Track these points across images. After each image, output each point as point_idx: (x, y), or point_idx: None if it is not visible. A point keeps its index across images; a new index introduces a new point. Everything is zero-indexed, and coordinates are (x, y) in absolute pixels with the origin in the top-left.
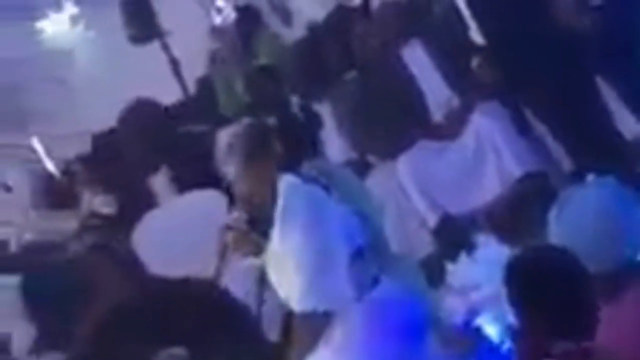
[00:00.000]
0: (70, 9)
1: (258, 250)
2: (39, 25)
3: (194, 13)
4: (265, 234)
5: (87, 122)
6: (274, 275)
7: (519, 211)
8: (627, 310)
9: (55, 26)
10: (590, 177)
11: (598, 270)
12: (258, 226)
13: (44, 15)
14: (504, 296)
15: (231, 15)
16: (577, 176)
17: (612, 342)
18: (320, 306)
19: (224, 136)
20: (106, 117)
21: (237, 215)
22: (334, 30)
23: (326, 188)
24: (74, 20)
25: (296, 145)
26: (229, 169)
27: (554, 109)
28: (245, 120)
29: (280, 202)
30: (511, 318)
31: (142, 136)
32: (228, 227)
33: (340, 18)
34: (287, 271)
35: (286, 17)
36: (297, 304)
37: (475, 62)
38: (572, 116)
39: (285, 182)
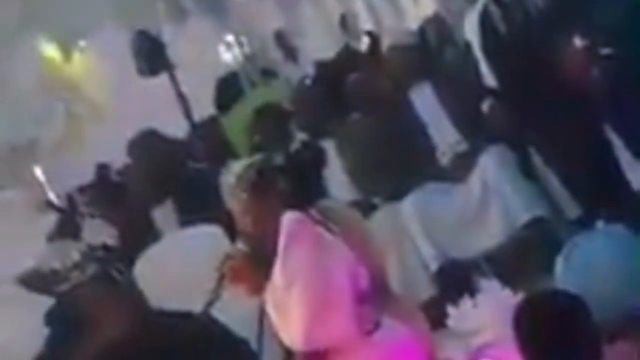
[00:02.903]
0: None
1: (257, 287)
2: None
3: (204, 48)
4: (266, 272)
5: (92, 152)
6: (274, 314)
7: (523, 256)
8: None
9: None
10: (599, 225)
11: (605, 318)
12: (259, 263)
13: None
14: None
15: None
16: (582, 223)
17: None
18: (322, 346)
19: (231, 172)
20: (112, 148)
21: (239, 247)
22: (341, 69)
23: (330, 230)
24: (81, 50)
25: (302, 183)
26: (235, 204)
27: (563, 155)
28: (253, 157)
29: (283, 239)
30: None
31: (148, 168)
32: (228, 257)
33: (348, 58)
34: (289, 309)
35: (292, 54)
36: (298, 343)
37: (486, 105)
38: (580, 163)
39: (289, 219)
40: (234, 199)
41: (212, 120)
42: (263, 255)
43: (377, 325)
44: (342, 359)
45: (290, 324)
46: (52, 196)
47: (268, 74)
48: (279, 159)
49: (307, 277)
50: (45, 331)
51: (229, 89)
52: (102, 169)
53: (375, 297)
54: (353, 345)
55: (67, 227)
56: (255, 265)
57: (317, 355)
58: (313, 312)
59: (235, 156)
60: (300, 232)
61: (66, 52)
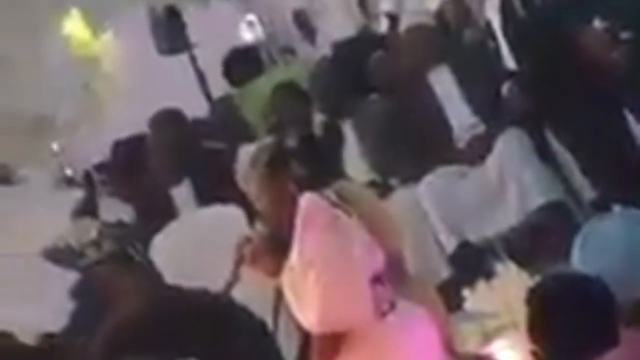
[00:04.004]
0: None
1: (275, 269)
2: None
3: (223, 27)
4: (284, 254)
5: (110, 130)
6: (291, 296)
7: (539, 240)
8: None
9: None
10: (616, 208)
11: (621, 302)
12: (278, 245)
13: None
14: (525, 323)
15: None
16: (599, 206)
17: None
18: (338, 328)
19: (245, 155)
20: (130, 126)
21: (259, 229)
22: (359, 50)
23: (347, 212)
24: (104, 29)
25: (318, 164)
26: (250, 187)
27: (581, 139)
28: (266, 140)
29: (299, 221)
30: (529, 346)
31: (167, 147)
32: (247, 239)
33: (367, 39)
34: (306, 292)
35: (310, 35)
36: (315, 325)
37: (505, 87)
38: (598, 147)
39: (305, 201)
40: (249, 182)
41: (230, 99)
42: (281, 238)
43: (392, 306)
44: (358, 340)
45: (307, 305)
46: (69, 173)
47: (288, 52)
48: (291, 142)
49: (323, 259)
50: (70, 306)
51: (245, 63)
52: (121, 146)
53: (391, 278)
54: (369, 327)
55: (86, 204)
56: (274, 247)
57: (333, 336)
58: (329, 294)
59: (252, 136)
60: (316, 214)
61: (93, 30)
